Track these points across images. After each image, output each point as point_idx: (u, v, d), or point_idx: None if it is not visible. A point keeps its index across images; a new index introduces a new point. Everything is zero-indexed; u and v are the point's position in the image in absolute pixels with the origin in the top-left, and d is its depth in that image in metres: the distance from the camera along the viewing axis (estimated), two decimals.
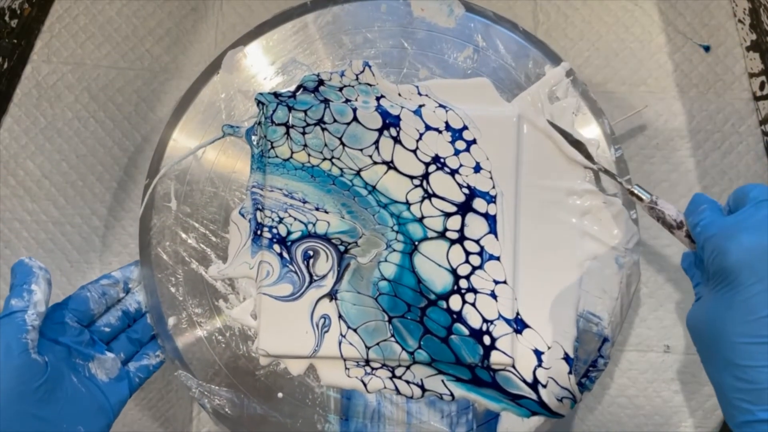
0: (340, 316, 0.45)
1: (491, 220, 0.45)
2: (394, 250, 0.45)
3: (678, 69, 0.53)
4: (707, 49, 0.53)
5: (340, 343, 0.44)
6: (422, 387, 0.45)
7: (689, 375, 0.51)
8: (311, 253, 0.45)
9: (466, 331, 0.44)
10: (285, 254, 0.45)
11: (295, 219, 0.45)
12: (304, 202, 0.45)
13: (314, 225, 0.45)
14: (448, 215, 0.45)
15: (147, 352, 0.46)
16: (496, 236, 0.45)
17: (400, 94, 0.46)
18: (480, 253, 0.45)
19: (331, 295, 0.45)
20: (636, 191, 0.43)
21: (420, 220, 0.45)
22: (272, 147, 0.45)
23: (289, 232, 0.45)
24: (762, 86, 0.52)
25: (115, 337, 0.45)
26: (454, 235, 0.45)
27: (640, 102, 0.53)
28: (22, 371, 0.37)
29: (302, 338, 0.44)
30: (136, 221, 0.48)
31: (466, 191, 0.45)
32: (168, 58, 0.54)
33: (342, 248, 0.45)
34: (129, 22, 0.54)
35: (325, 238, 0.45)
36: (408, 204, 0.45)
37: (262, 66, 0.47)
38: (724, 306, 0.34)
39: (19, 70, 0.53)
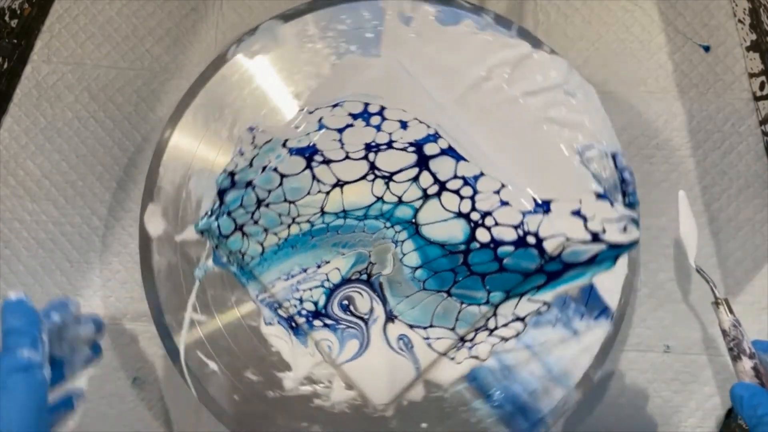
0: (411, 327, 0.44)
1: (450, 152, 0.45)
2: (403, 240, 0.45)
3: (678, 69, 0.53)
4: (707, 49, 0.53)
5: (430, 346, 0.44)
6: (519, 318, 0.45)
7: (689, 375, 0.51)
8: (346, 302, 0.45)
9: (511, 248, 0.44)
10: (328, 321, 0.45)
11: (310, 289, 0.45)
12: (305, 270, 0.45)
13: (329, 280, 0.45)
14: (416, 179, 0.45)
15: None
16: (465, 159, 0.45)
17: (296, 127, 0.46)
18: (466, 183, 0.45)
19: (391, 318, 0.45)
20: (724, 304, 0.43)
21: (400, 201, 0.45)
22: (243, 254, 0.45)
23: (315, 303, 0.45)
24: (762, 86, 0.52)
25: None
26: (435, 189, 0.45)
27: (640, 102, 0.53)
28: (39, 425, 0.34)
29: (401, 368, 0.44)
30: (136, 221, 0.48)
31: (412, 149, 0.45)
32: (168, 58, 0.54)
33: (364, 276, 0.45)
34: (129, 22, 0.54)
35: (346, 281, 0.45)
36: (380, 199, 0.45)
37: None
38: None
39: (19, 70, 0.53)
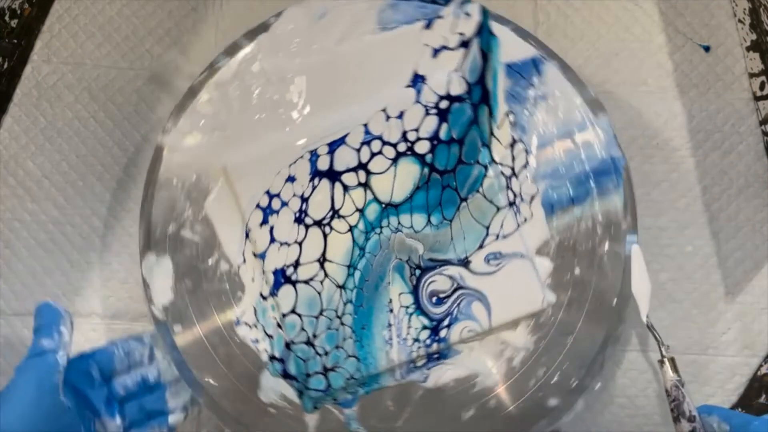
0: (481, 247, 0.45)
1: (334, 144, 0.45)
2: (397, 222, 0.45)
3: (678, 69, 0.53)
4: (707, 49, 0.53)
5: (506, 237, 0.45)
6: (511, 143, 0.46)
7: (689, 375, 0.51)
8: (434, 298, 0.45)
9: (444, 125, 0.45)
10: (445, 322, 0.45)
11: (408, 327, 0.45)
12: (389, 325, 0.45)
13: (407, 306, 0.45)
14: (345, 188, 0.45)
15: (152, 424, 0.44)
16: (348, 133, 0.45)
17: (253, 280, 0.46)
18: (368, 143, 0.45)
19: (466, 263, 0.45)
20: (668, 363, 0.44)
21: (360, 211, 0.45)
22: (351, 377, 0.45)
23: (425, 327, 0.45)
24: (762, 86, 0.52)
25: (127, 399, 0.44)
26: (362, 175, 0.45)
27: (640, 102, 0.53)
28: (50, 411, 0.37)
29: (518, 271, 0.45)
30: (136, 221, 0.48)
31: (317, 179, 0.45)
32: (168, 58, 0.54)
33: (417, 272, 0.45)
34: (129, 22, 0.54)
35: (414, 289, 0.45)
36: (351, 228, 0.45)
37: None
38: None
39: (19, 70, 0.53)
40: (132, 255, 0.53)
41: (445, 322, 0.45)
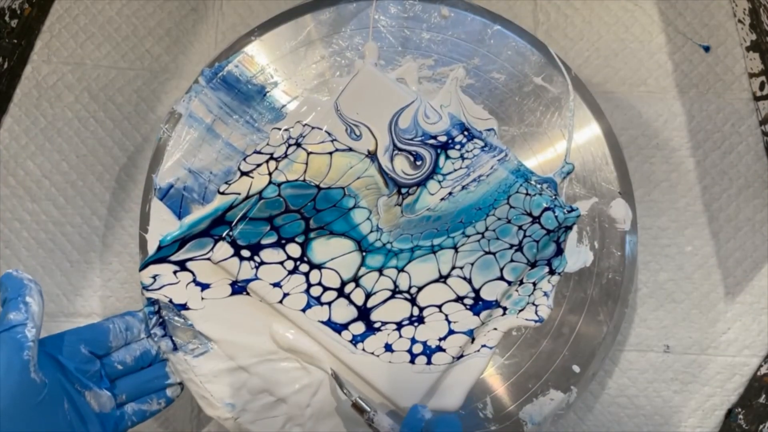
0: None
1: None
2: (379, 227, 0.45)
3: (678, 69, 0.53)
4: (707, 49, 0.53)
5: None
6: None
7: (689, 375, 0.51)
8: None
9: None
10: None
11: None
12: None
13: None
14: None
15: (151, 397, 0.45)
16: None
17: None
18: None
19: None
20: (358, 403, 0.42)
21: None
22: None
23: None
24: (762, 86, 0.52)
25: (125, 374, 0.44)
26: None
27: (640, 102, 0.53)
28: (21, 389, 0.36)
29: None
30: (136, 221, 0.48)
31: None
32: (168, 58, 0.54)
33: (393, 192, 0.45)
34: (129, 22, 0.54)
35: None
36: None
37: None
38: None
39: (19, 70, 0.53)
40: (132, 255, 0.53)
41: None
